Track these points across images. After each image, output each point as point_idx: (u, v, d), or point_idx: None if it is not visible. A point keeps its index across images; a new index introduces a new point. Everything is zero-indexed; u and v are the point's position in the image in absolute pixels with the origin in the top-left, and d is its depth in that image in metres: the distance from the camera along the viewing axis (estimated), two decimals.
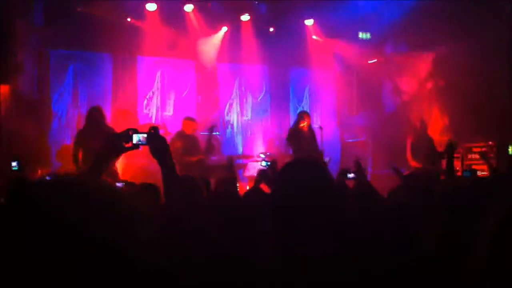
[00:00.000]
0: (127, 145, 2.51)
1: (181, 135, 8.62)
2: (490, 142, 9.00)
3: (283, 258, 1.81)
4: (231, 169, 6.82)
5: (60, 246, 0.82)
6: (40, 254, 0.82)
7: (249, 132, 12.38)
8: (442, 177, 5.37)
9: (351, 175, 4.91)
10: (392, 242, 3.13)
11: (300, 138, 8.40)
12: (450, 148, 4.96)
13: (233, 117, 12.32)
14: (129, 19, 10.65)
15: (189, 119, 8.92)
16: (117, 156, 2.62)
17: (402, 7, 10.50)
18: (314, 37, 12.29)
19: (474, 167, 8.79)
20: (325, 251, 1.78)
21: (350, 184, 4.83)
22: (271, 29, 11.87)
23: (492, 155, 8.68)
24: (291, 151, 8.74)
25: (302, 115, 8.64)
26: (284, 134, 9.30)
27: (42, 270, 0.81)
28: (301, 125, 8.43)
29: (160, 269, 0.91)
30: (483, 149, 8.76)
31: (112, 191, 0.95)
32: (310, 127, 8.67)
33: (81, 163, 7.09)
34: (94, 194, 0.91)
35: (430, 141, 8.99)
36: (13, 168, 6.74)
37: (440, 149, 8.57)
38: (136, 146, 2.50)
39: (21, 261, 0.81)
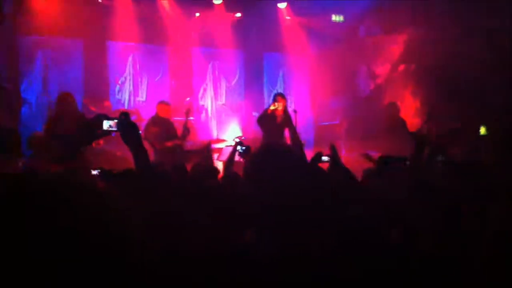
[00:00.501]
0: (98, 132, 2.47)
1: (155, 120, 8.50)
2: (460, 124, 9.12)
3: (264, 246, 1.80)
4: (208, 155, 6.81)
5: (54, 245, 0.79)
6: (33, 252, 0.79)
7: (224, 117, 12.34)
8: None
9: (325, 158, 4.94)
10: (370, 226, 3.16)
11: (270, 121, 8.36)
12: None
13: (207, 101, 12.26)
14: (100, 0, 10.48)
15: (163, 103, 8.81)
16: (88, 143, 2.58)
17: None
18: (287, 17, 12.25)
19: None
20: (304, 234, 1.78)
21: (325, 167, 4.86)
22: (239, 14, 11.79)
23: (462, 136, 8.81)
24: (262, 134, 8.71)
25: (275, 97, 8.60)
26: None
27: (36, 268, 0.79)
28: (272, 107, 8.38)
29: (145, 262, 0.89)
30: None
31: (97, 190, 0.92)
32: (285, 110, 8.60)
33: (52, 151, 6.97)
34: (84, 192, 0.88)
35: (402, 123, 9.09)
36: None
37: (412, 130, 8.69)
38: (107, 132, 2.47)
39: (14, 259, 0.79)
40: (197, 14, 11.53)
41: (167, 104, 8.81)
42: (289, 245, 1.77)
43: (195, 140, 10.68)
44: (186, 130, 8.59)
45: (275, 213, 1.81)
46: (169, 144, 8.25)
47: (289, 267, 1.73)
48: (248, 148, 5.53)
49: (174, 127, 8.70)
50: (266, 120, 8.40)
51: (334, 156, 4.74)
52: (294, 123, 8.75)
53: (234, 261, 1.94)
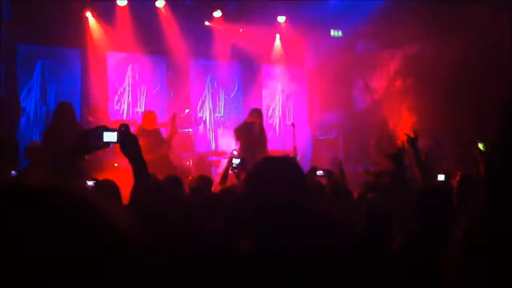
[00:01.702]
0: (97, 143, 2.47)
1: (140, 130, 8.19)
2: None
3: (262, 253, 1.80)
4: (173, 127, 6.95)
5: (39, 259, 0.78)
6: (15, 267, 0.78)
7: (222, 129, 12.34)
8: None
9: (320, 172, 5.19)
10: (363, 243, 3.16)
11: (246, 134, 8.40)
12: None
13: (206, 113, 12.26)
14: (88, 13, 10.41)
15: (148, 112, 8.57)
16: (86, 154, 2.58)
17: (373, 6, 10.61)
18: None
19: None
20: (298, 250, 1.79)
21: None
22: (241, 30, 11.85)
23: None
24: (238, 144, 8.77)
25: (251, 112, 8.73)
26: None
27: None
28: (249, 121, 8.49)
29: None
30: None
31: (89, 201, 0.90)
32: (262, 127, 8.69)
33: (49, 161, 6.94)
34: (74, 203, 0.86)
35: (391, 138, 9.21)
36: None
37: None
38: (106, 144, 2.47)
39: None
40: (197, 25, 11.57)
41: (151, 112, 8.59)
42: (287, 251, 1.77)
43: (192, 152, 10.66)
44: (174, 129, 8.32)
45: (272, 221, 1.81)
46: (156, 156, 7.94)
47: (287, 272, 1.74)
48: (242, 160, 5.59)
49: (161, 137, 8.46)
50: (242, 132, 8.44)
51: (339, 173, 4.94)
52: (291, 136, 8.80)
53: (233, 268, 1.94)
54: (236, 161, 5.68)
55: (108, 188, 4.41)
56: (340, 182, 5.02)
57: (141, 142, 7.67)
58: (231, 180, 6.01)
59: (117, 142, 2.44)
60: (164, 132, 9.11)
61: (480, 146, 4.73)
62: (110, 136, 2.45)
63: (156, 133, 8.40)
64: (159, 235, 2.43)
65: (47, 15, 9.82)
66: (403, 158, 4.09)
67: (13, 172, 6.89)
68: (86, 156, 2.73)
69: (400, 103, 11.13)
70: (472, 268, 1.13)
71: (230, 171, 5.80)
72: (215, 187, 5.41)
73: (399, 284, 2.57)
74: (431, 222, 2.66)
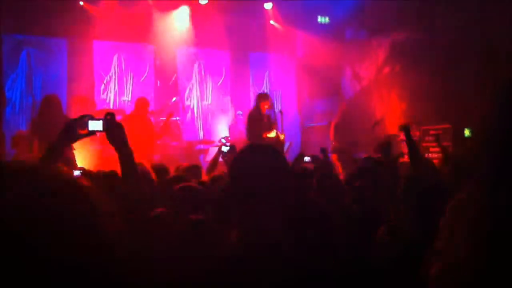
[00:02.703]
0: (82, 132, 2.45)
1: (133, 118, 8.19)
2: (446, 125, 9.21)
3: (244, 246, 1.79)
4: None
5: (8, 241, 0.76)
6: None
7: (210, 117, 12.31)
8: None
9: (307, 159, 5.22)
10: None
11: (259, 121, 8.39)
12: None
13: (193, 101, 12.21)
14: (81, 3, 10.33)
15: (141, 99, 8.57)
16: (72, 143, 2.56)
17: None
18: (272, 22, 12.26)
19: (431, 149, 9.03)
20: (280, 235, 1.78)
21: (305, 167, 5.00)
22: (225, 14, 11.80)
23: (448, 137, 8.92)
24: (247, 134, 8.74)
25: (264, 98, 8.68)
26: (246, 118, 9.27)
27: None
28: (264, 107, 8.48)
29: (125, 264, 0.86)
30: (439, 131, 8.97)
31: (67, 179, 0.89)
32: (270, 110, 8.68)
33: (36, 152, 6.88)
34: (47, 181, 0.84)
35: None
36: None
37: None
38: (92, 132, 2.45)
39: None
40: (184, 12, 11.47)
41: (144, 100, 8.59)
42: (269, 243, 1.77)
43: (180, 140, 10.63)
44: (167, 127, 8.33)
45: (254, 211, 1.80)
46: (147, 144, 7.91)
47: (270, 266, 1.73)
48: (232, 148, 5.59)
49: (152, 126, 8.43)
50: (257, 120, 8.43)
51: (324, 160, 4.90)
52: (280, 124, 8.80)
53: (220, 261, 1.93)
54: (225, 148, 5.68)
55: (95, 178, 4.39)
56: (327, 168, 5.03)
57: (131, 128, 7.64)
58: (221, 168, 6.01)
59: (103, 130, 2.43)
60: (153, 120, 9.11)
61: (466, 132, 4.73)
62: (95, 125, 2.43)
63: (148, 120, 8.42)
64: (146, 230, 2.41)
65: (32, 4, 9.69)
66: (390, 148, 4.08)
67: None
68: (72, 145, 2.71)
69: (389, 91, 11.16)
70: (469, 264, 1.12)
71: (220, 159, 5.80)
72: (204, 176, 5.39)
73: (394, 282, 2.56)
74: (424, 213, 2.65)
